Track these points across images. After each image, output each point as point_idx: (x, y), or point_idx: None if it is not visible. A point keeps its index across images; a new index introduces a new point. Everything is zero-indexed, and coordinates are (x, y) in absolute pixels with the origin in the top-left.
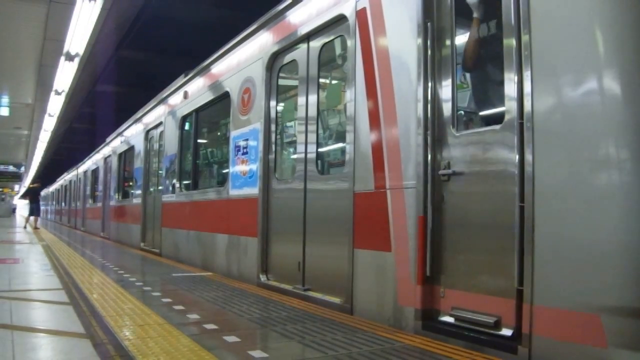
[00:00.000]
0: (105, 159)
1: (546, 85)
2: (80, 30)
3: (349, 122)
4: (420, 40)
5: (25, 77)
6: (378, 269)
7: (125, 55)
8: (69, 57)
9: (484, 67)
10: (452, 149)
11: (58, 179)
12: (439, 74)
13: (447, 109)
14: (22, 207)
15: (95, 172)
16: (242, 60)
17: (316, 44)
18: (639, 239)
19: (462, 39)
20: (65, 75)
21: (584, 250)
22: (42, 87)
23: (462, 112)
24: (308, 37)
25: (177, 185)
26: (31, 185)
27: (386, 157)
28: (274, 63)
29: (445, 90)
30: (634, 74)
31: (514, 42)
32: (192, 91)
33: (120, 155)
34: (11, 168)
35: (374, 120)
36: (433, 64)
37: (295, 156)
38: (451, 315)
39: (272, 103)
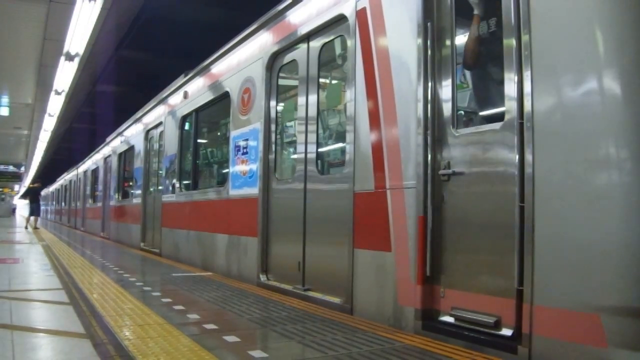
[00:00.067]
0: (105, 159)
1: (546, 85)
2: (80, 30)
3: (349, 122)
4: (420, 40)
5: (25, 77)
6: (378, 269)
7: (125, 55)
8: (69, 57)
9: (484, 66)
10: (452, 149)
11: (58, 179)
12: (439, 73)
13: (447, 108)
14: (22, 207)
15: (95, 172)
16: (242, 60)
17: (316, 44)
18: (639, 239)
19: (462, 38)
20: (65, 75)
21: (584, 250)
22: (42, 87)
23: (462, 112)
24: (308, 37)
25: (177, 185)
26: (31, 185)
27: (386, 157)
28: (274, 63)
29: (445, 90)
30: (634, 74)
31: (514, 41)
32: (192, 91)
33: (120, 155)
34: (11, 168)
35: (374, 120)
36: (433, 64)
37: (295, 156)
38: (451, 315)
39: (272, 103)
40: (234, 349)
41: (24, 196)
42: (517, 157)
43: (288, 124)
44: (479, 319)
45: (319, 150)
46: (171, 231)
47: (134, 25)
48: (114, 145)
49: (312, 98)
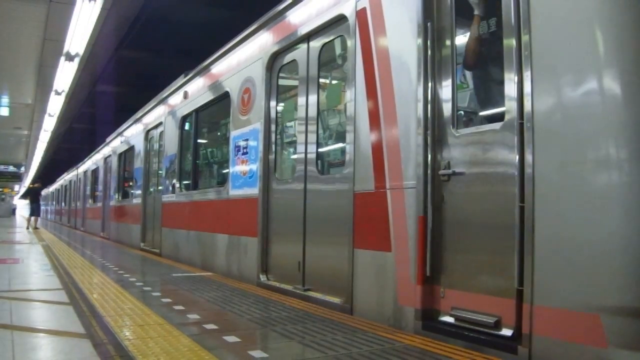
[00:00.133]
0: (105, 159)
1: (546, 85)
2: (80, 30)
3: (349, 122)
4: (420, 40)
5: (25, 77)
6: (378, 269)
7: (125, 55)
8: (69, 57)
9: (484, 66)
10: (452, 149)
11: (58, 179)
12: (439, 74)
13: (447, 109)
14: (22, 207)
15: (95, 172)
16: (242, 60)
17: (316, 44)
18: (639, 239)
19: (462, 39)
20: (65, 75)
21: (584, 250)
22: (42, 87)
23: (462, 112)
24: (308, 37)
25: (177, 185)
26: (32, 186)
27: (386, 157)
28: (274, 63)
29: (445, 90)
30: (634, 74)
31: (514, 41)
32: (192, 91)
33: (120, 155)
34: (11, 168)
35: (374, 120)
36: (433, 64)
37: (295, 156)
38: (451, 315)
39: (272, 103)
40: (234, 349)
41: (24, 196)
42: (517, 157)
43: (288, 124)
44: (479, 319)
45: (319, 150)
46: (171, 231)
47: (134, 25)
48: (114, 145)
49: (312, 98)
